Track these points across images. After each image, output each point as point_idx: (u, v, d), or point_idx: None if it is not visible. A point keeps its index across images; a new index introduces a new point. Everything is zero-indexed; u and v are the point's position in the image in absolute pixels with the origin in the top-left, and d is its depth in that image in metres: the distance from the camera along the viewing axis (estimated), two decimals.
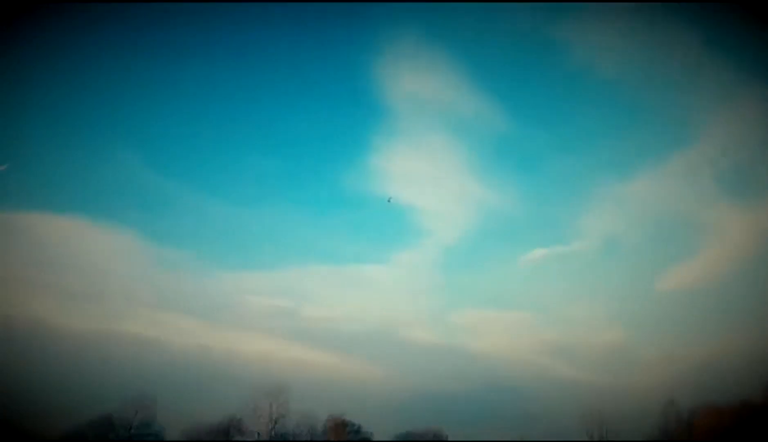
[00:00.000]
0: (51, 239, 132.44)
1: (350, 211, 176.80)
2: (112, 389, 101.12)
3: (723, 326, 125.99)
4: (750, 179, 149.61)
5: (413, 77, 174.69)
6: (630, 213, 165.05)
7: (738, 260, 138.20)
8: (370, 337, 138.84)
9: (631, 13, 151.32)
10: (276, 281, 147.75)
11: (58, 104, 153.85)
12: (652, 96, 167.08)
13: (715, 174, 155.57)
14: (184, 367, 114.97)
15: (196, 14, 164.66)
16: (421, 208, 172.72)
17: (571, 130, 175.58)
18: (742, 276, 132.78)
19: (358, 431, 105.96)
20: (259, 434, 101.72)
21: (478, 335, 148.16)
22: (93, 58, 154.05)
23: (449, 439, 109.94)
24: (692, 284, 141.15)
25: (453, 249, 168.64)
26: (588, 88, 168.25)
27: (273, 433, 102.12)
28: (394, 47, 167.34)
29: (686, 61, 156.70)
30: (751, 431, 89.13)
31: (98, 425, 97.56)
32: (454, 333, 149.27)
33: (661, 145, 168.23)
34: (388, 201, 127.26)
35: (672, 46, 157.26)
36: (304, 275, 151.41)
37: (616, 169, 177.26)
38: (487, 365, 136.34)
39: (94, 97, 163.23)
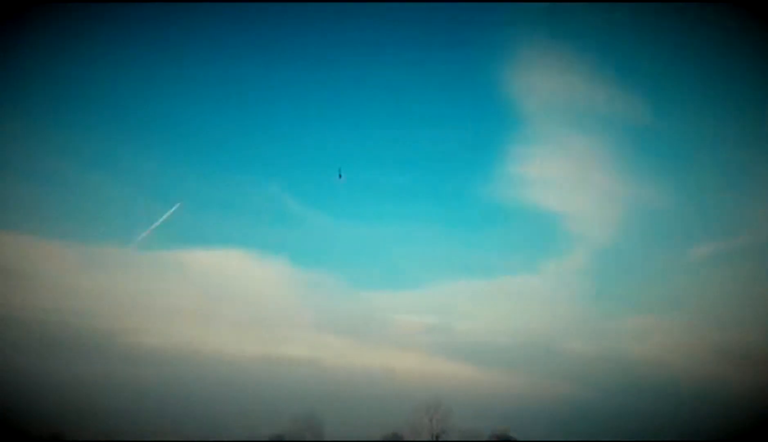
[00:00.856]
0: (216, 272, 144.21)
1: (494, 223, 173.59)
2: (283, 409, 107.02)
3: None
4: None
5: (544, 78, 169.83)
6: None
7: None
8: (526, 349, 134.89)
9: None
10: (425, 298, 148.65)
11: (214, 141, 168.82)
12: None
13: None
14: (345, 386, 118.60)
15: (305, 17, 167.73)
16: (566, 212, 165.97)
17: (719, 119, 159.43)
18: None
19: None
20: None
21: (639, 341, 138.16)
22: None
23: None
24: None
25: (605, 253, 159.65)
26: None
27: None
28: (522, 49, 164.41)
29: None
30: None
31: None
32: (614, 341, 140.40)
33: None
34: (339, 177, 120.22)
35: None
36: (454, 291, 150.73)
37: None
38: (650, 373, 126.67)
39: (232, 129, 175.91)
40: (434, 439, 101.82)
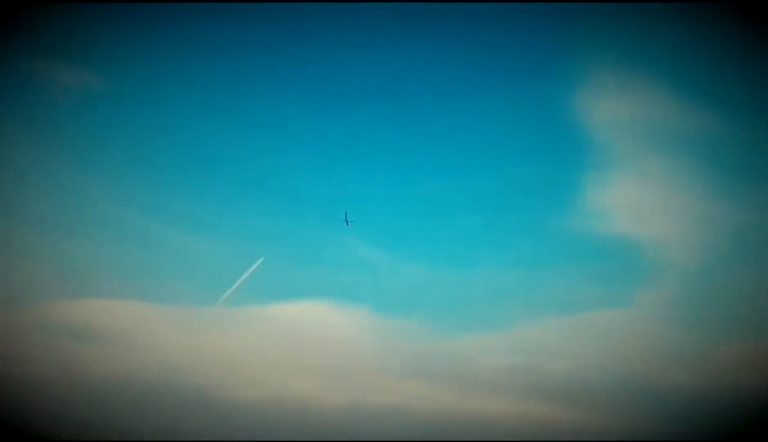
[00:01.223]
0: (299, 324, 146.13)
1: (579, 256, 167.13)
2: None
3: None
4: None
5: (614, 101, 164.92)
6: None
7: None
8: (623, 387, 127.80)
9: None
10: (513, 339, 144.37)
11: (290, 191, 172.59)
12: None
13: None
14: (435, 432, 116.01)
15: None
16: (653, 239, 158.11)
17: None
18: None
19: None
20: None
21: (743, 371, 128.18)
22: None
23: None
24: None
25: (697, 277, 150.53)
26: None
27: None
28: (592, 72, 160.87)
29: None
30: None
31: None
32: (716, 372, 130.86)
33: None
34: (346, 224, 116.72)
35: None
36: (541, 330, 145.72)
37: None
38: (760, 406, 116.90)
39: (307, 179, 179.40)
40: None
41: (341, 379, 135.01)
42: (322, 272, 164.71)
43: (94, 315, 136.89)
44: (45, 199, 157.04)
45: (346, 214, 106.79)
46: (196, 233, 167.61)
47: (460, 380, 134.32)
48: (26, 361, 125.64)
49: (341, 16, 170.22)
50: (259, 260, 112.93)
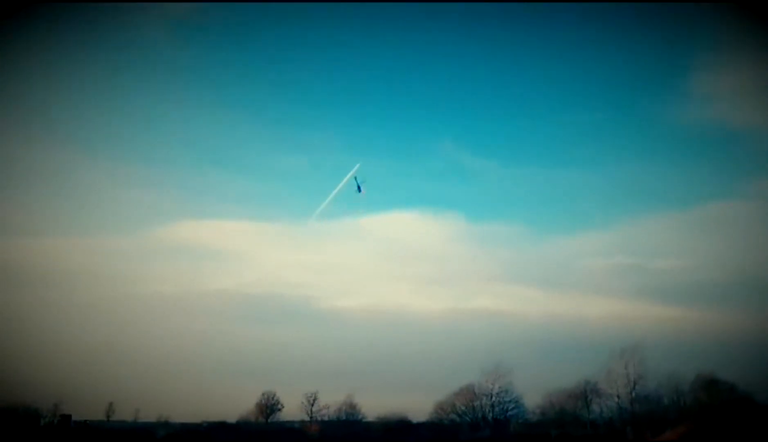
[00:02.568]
0: (396, 234, 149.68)
1: (688, 146, 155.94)
2: (471, 361, 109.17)
3: None
4: None
5: None
6: None
7: None
8: (737, 284, 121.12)
9: None
10: (615, 238, 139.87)
11: (384, 104, 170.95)
12: None
13: None
14: (535, 335, 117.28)
15: None
16: None
17: None
18: None
19: (732, 389, 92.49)
20: (619, 397, 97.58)
21: None
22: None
23: None
24: None
25: None
26: None
27: (633, 395, 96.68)
28: None
29: None
30: None
31: (461, 395, 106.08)
32: None
33: None
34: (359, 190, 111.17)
35: None
36: (646, 227, 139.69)
37: None
38: None
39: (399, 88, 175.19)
40: (632, 385, 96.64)
41: (437, 285, 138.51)
42: (414, 180, 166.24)
43: (209, 235, 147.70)
44: (157, 134, 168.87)
45: (356, 178, 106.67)
46: (292, 152, 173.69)
47: (560, 282, 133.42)
48: (153, 279, 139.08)
49: None
50: (356, 166, 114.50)
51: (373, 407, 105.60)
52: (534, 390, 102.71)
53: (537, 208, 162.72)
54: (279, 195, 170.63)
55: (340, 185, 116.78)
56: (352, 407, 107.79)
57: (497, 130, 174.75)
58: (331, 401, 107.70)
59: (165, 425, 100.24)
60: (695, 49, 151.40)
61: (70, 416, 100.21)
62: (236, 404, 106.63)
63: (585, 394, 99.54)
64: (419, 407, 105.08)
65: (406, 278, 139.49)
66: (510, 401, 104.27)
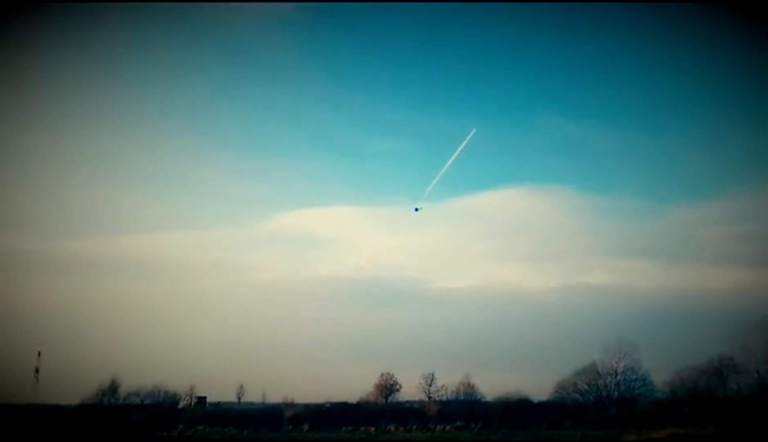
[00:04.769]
0: (505, 211, 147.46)
1: None
2: (590, 339, 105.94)
3: None
4: None
5: None
6: None
7: None
8: None
9: None
10: (735, 205, 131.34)
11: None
12: None
13: None
14: (657, 310, 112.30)
15: None
16: None
17: None
18: None
19: None
20: (758, 372, 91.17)
21: None
22: None
23: None
24: None
25: None
26: None
27: None
28: None
29: None
30: None
31: (584, 374, 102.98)
32: None
33: None
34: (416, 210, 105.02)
35: None
36: (761, 194, 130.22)
37: None
38: None
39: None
40: None
41: (549, 262, 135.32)
42: (516, 157, 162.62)
43: (317, 223, 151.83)
44: (262, 126, 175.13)
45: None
46: (390, 137, 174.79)
47: (680, 254, 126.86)
48: (263, 267, 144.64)
49: None
50: (472, 131, 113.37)
51: (492, 386, 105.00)
52: (662, 367, 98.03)
53: (647, 178, 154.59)
54: (384, 179, 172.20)
55: (453, 158, 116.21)
56: (470, 386, 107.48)
57: (599, 98, 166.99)
58: (448, 381, 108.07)
59: (291, 405, 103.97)
60: None
61: (205, 398, 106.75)
62: (356, 385, 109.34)
63: (719, 370, 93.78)
64: (539, 386, 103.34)
65: (515, 256, 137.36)
66: (636, 380, 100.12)
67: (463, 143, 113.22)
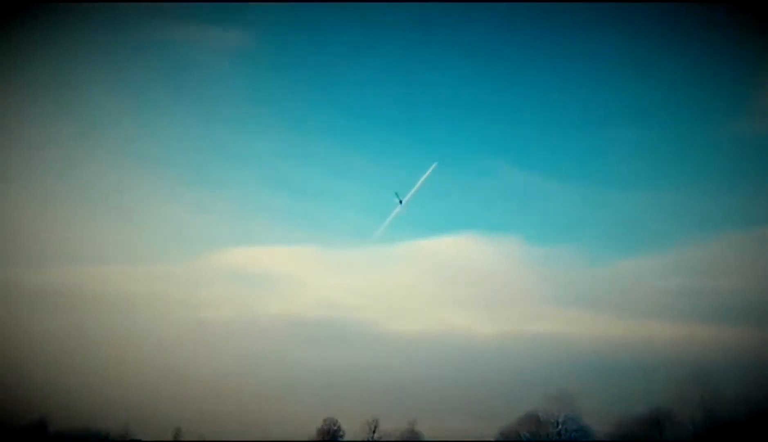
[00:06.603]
0: (452, 257, 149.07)
1: (751, 167, 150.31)
2: (533, 387, 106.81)
3: None
4: None
5: None
6: None
7: None
8: None
9: None
10: (673, 259, 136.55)
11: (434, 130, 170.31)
12: None
13: None
14: (599, 360, 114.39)
15: None
16: None
17: None
18: None
19: None
20: (694, 424, 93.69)
21: None
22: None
23: None
24: None
25: None
26: None
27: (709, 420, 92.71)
28: None
29: None
30: None
31: (526, 422, 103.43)
32: None
33: None
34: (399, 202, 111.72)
35: None
36: (706, 248, 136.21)
37: None
38: None
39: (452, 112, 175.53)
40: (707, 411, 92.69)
41: (498, 309, 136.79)
42: (469, 202, 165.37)
43: (262, 260, 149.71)
44: (205, 156, 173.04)
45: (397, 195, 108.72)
46: (342, 177, 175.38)
47: (621, 306, 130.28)
48: (208, 304, 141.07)
49: None
50: (433, 165, 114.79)
51: (437, 433, 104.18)
52: (602, 418, 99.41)
53: (596, 230, 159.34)
54: (336, 218, 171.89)
55: (412, 193, 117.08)
56: (414, 433, 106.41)
57: (550, 147, 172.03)
58: (392, 428, 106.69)
59: None
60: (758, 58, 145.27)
61: (139, 441, 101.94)
62: (299, 428, 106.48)
63: (657, 420, 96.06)
64: (482, 433, 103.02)
65: (466, 302, 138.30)
66: (577, 430, 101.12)
67: (422, 178, 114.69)
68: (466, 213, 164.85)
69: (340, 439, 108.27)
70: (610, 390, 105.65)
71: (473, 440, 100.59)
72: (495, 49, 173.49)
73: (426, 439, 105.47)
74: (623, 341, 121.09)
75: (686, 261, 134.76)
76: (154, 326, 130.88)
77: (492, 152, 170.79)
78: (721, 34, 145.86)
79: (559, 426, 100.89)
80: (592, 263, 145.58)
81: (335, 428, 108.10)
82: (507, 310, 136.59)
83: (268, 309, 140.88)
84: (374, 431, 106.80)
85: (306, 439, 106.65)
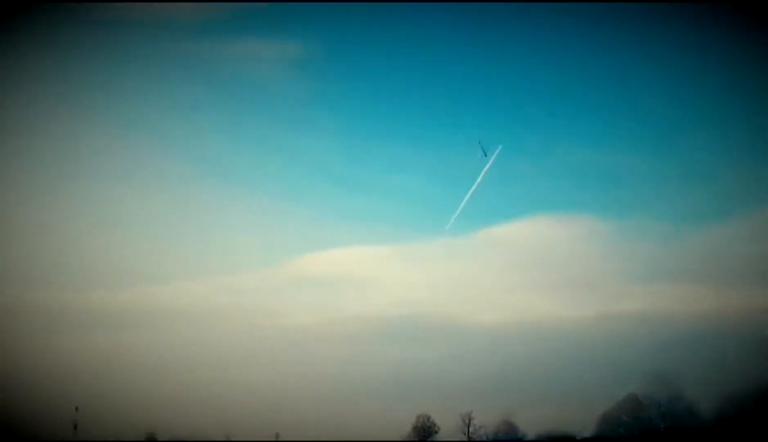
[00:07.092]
0: (527, 241, 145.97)
1: None
2: (630, 369, 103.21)
3: None
4: None
5: None
6: None
7: None
8: None
9: None
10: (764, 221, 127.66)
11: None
12: None
13: None
14: (697, 335, 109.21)
15: None
16: None
17: None
18: None
19: None
20: None
21: None
22: None
23: None
24: None
25: None
26: None
27: None
28: None
29: None
30: None
31: (626, 406, 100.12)
32: None
33: None
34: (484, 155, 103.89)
35: None
36: None
37: None
38: None
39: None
40: None
41: (582, 291, 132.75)
42: (537, 184, 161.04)
43: (340, 263, 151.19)
44: (278, 167, 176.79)
45: (481, 144, 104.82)
46: (409, 173, 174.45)
47: (711, 275, 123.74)
48: (286, 313, 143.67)
49: None
50: (498, 149, 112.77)
51: (533, 424, 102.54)
52: (708, 395, 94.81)
53: (674, 197, 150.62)
54: (406, 215, 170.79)
55: (481, 176, 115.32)
56: (510, 425, 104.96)
57: (615, 113, 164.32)
58: (487, 421, 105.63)
59: None
60: None
61: None
62: (391, 428, 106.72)
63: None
64: (581, 421, 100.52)
65: (547, 286, 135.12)
66: (683, 409, 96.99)
67: (490, 161, 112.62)
68: (536, 195, 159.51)
69: (435, 435, 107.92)
70: (713, 366, 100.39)
71: (568, 433, 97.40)
72: (556, 29, 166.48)
73: (522, 430, 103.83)
74: (719, 313, 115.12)
75: None
76: (241, 336, 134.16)
77: (555, 132, 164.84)
78: None
79: (662, 407, 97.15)
80: (674, 234, 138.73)
81: (429, 424, 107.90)
82: (592, 291, 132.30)
83: (351, 311, 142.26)
84: (469, 425, 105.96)
85: (401, 439, 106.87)
